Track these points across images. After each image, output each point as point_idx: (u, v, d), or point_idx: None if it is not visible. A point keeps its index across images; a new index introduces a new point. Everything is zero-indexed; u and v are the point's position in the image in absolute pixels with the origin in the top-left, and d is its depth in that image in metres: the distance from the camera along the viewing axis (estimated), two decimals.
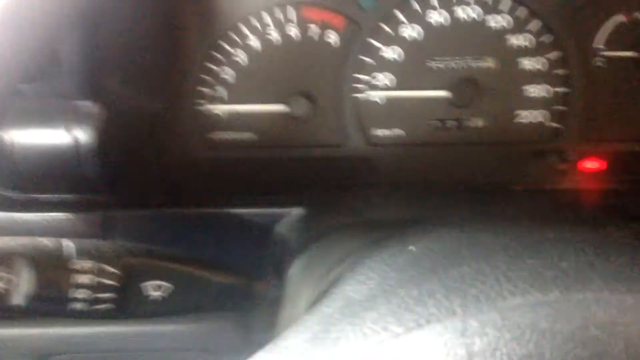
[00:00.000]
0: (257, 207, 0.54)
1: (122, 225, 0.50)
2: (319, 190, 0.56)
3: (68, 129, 0.46)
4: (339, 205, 0.53)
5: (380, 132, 0.64)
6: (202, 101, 0.62)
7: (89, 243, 0.46)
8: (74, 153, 0.46)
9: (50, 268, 0.44)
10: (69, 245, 0.45)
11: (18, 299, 0.42)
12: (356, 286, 0.36)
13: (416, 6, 0.62)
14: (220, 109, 0.63)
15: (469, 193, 0.58)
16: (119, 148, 0.50)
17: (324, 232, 0.46)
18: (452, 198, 0.55)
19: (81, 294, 0.44)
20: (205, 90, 0.62)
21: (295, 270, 0.44)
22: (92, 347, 0.47)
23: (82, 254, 0.45)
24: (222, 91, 0.63)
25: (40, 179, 0.46)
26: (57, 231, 0.47)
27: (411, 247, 0.37)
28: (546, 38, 0.62)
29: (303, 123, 0.63)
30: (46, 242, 0.45)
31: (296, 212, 0.53)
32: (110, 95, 0.50)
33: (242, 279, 0.48)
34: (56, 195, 0.49)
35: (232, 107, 0.63)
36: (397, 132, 0.64)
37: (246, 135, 0.63)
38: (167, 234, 0.52)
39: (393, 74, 0.63)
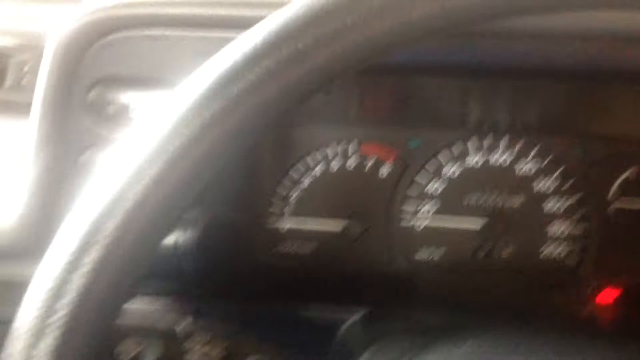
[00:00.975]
0: (320, 308, 0.64)
1: (212, 313, 0.60)
2: (373, 300, 0.66)
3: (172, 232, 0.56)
4: (394, 312, 0.62)
5: (422, 256, 0.73)
6: (271, 218, 0.74)
7: (200, 324, 0.56)
8: (175, 252, 0.57)
9: (168, 346, 0.53)
10: (183, 326, 0.55)
11: None
12: None
13: (456, 151, 0.73)
14: (284, 226, 0.74)
15: (498, 312, 0.66)
16: (210, 251, 0.60)
17: (383, 333, 0.55)
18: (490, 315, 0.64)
19: None
20: (274, 209, 0.74)
21: None
22: None
23: (194, 333, 0.54)
24: (287, 211, 0.74)
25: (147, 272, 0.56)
26: (159, 314, 0.57)
27: (466, 345, 0.45)
28: (568, 183, 0.72)
29: (354, 243, 0.73)
30: (164, 322, 0.54)
31: (355, 318, 0.62)
32: (207, 209, 0.61)
33: None
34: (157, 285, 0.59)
35: (295, 224, 0.74)
36: (435, 257, 0.73)
37: (305, 250, 0.73)
38: (251, 323, 0.61)
39: (433, 207, 0.73)
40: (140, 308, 0.57)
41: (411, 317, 0.62)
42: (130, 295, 0.35)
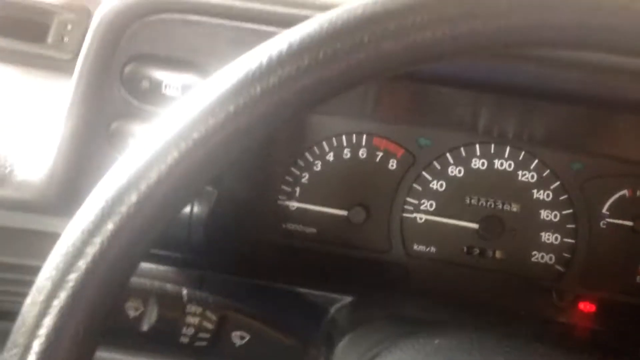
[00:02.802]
0: (316, 290, 0.69)
1: (214, 284, 0.65)
2: (366, 285, 0.71)
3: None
4: (382, 300, 0.67)
5: (418, 248, 0.78)
6: (282, 197, 0.78)
7: (199, 294, 0.61)
8: (186, 223, 0.62)
9: (171, 308, 0.59)
10: (185, 293, 0.60)
11: (144, 326, 0.56)
12: None
13: (464, 153, 0.77)
14: (293, 205, 0.79)
15: (483, 309, 0.71)
16: (219, 224, 0.65)
17: (368, 319, 0.60)
18: (470, 311, 0.69)
19: (189, 330, 0.58)
20: (285, 188, 0.78)
21: (343, 344, 0.58)
22: None
23: (193, 301, 0.59)
24: (297, 191, 0.79)
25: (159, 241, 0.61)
26: (166, 280, 0.62)
27: (436, 341, 0.50)
28: (563, 197, 0.76)
29: (357, 228, 0.78)
30: (170, 287, 0.59)
31: (347, 299, 0.67)
32: (224, 185, 0.65)
33: (300, 343, 0.62)
34: (169, 253, 0.64)
35: (303, 205, 0.78)
36: (432, 250, 0.78)
37: (311, 230, 0.78)
38: (247, 297, 0.66)
39: (435, 202, 0.78)
40: (149, 271, 0.62)
41: (397, 307, 0.66)
42: (142, 259, 0.39)
